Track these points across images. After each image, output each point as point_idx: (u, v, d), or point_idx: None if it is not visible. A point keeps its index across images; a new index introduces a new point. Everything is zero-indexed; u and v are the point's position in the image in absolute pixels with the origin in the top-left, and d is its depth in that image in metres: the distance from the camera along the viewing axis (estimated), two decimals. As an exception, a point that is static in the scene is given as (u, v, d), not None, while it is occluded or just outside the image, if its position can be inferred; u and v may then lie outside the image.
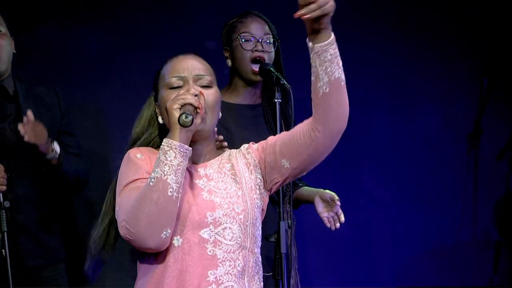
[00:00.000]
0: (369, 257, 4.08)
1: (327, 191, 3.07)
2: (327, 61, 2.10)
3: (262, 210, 2.26)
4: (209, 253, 2.10)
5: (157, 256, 2.12)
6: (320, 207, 3.09)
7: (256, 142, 2.35)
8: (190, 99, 2.10)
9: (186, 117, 2.06)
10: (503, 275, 4.13)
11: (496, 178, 4.16)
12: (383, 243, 4.10)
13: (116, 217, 2.14)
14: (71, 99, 3.57)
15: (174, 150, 2.07)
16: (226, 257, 2.12)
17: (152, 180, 2.05)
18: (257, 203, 2.21)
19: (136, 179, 2.14)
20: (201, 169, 2.22)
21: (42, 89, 3.39)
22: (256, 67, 3.04)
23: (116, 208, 2.14)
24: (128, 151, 2.23)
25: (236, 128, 3.10)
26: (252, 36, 3.08)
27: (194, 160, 2.23)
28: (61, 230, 3.39)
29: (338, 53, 2.13)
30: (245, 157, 2.26)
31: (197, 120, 2.11)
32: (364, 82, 4.09)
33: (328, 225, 3.08)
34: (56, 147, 3.20)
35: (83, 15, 3.94)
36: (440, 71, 4.15)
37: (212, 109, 2.20)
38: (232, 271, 2.12)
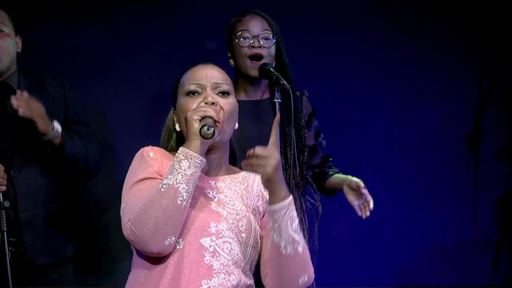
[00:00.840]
0: (369, 257, 4.08)
1: (354, 178, 3.11)
2: (271, 223, 2.10)
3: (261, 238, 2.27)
4: (206, 262, 2.10)
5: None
6: (350, 196, 3.12)
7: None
8: (211, 112, 2.10)
9: (208, 129, 2.07)
10: (503, 275, 4.13)
11: (496, 178, 4.16)
12: (383, 243, 4.10)
13: (120, 214, 2.14)
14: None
15: (189, 160, 2.07)
16: (221, 270, 2.11)
17: (164, 186, 2.05)
18: (259, 230, 2.22)
19: (145, 178, 2.15)
20: (212, 181, 2.23)
21: (47, 80, 3.38)
22: (255, 63, 3.06)
23: (122, 206, 2.14)
24: (142, 148, 2.24)
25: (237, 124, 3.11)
26: (249, 33, 3.10)
27: (205, 170, 2.23)
28: (67, 228, 3.38)
29: (285, 221, 2.09)
30: (261, 190, 2.26)
31: (216, 133, 2.11)
32: (363, 82, 4.09)
33: (360, 213, 3.10)
34: (57, 126, 3.17)
35: (83, 15, 3.94)
36: (440, 71, 4.15)
37: (229, 119, 2.21)
38: (226, 284, 2.11)
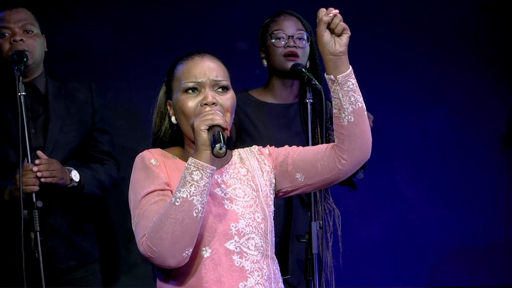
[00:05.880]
0: (401, 258, 4.07)
1: None
2: (350, 90, 2.12)
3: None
4: (237, 265, 2.11)
5: (188, 267, 2.11)
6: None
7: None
8: (219, 120, 2.06)
9: (221, 148, 2.02)
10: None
11: (529, 179, 4.13)
12: (415, 244, 4.09)
13: (133, 229, 2.11)
14: (103, 98, 3.57)
15: (201, 171, 2.03)
16: (254, 268, 2.13)
17: (178, 200, 2.03)
18: (272, 209, 2.23)
19: (154, 190, 2.12)
20: (217, 176, 2.21)
21: (75, 85, 3.36)
22: (290, 58, 3.05)
23: (133, 220, 2.12)
24: (141, 154, 2.20)
25: (264, 127, 3.12)
26: (284, 33, 3.10)
27: None
28: (94, 230, 3.39)
29: (356, 83, 2.14)
30: (258, 160, 2.27)
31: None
32: (396, 81, 4.07)
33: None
34: (74, 176, 3.17)
35: (111, 14, 3.95)
36: (474, 71, 4.12)
37: (231, 115, 2.19)
38: (261, 281, 2.13)
